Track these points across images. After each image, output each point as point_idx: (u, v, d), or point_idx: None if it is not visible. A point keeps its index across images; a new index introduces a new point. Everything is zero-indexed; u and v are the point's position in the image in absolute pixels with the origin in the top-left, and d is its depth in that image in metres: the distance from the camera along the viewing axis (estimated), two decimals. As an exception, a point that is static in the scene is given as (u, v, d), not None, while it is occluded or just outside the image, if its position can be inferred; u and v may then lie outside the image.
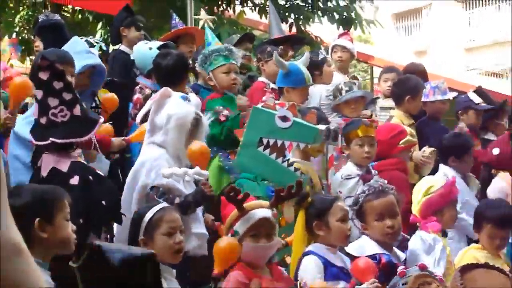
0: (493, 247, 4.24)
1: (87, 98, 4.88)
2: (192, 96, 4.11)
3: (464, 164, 5.37)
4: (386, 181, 3.99)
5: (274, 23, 7.28)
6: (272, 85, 5.76)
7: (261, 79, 6.10)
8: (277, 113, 3.44)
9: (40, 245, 2.66)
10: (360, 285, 3.41)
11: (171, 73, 4.92)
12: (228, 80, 5.11)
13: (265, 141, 3.47)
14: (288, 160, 3.69)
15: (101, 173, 3.66)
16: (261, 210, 3.34)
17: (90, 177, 3.52)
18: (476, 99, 6.49)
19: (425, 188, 4.30)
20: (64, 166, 3.52)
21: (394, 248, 3.89)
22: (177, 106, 3.96)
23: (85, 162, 3.70)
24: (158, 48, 5.51)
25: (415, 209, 4.30)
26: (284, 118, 3.42)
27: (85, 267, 1.86)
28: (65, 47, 4.75)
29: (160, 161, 3.91)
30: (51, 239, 2.72)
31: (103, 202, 3.39)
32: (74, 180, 3.47)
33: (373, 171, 4.84)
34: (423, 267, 3.40)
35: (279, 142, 3.45)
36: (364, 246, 3.77)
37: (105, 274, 1.85)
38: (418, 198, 4.32)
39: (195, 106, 3.99)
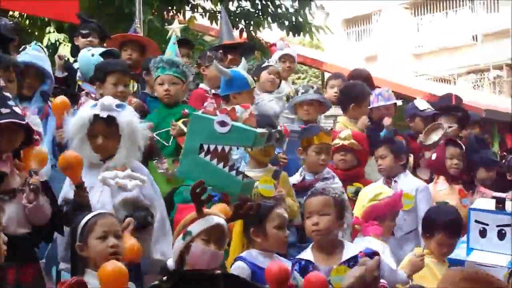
0: (441, 254, 4.30)
1: (38, 98, 5.03)
2: (107, 98, 4.11)
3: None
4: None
5: (225, 29, 7.24)
6: (212, 91, 5.79)
7: (202, 85, 6.13)
8: (215, 118, 3.45)
9: None
10: None
11: (96, 71, 5.05)
12: (161, 91, 5.21)
13: (205, 147, 3.46)
14: (233, 165, 3.70)
15: None
16: (219, 217, 3.35)
17: None
18: (422, 106, 6.66)
19: (373, 194, 4.31)
20: None
21: (347, 244, 3.77)
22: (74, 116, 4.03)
23: None
24: (101, 55, 5.52)
25: (359, 212, 4.32)
26: (222, 123, 3.41)
27: None
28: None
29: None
30: None
31: None
32: None
33: (331, 177, 4.89)
34: None
35: (219, 148, 3.45)
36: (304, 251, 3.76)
37: None
38: (364, 202, 4.34)
39: (99, 108, 3.97)
